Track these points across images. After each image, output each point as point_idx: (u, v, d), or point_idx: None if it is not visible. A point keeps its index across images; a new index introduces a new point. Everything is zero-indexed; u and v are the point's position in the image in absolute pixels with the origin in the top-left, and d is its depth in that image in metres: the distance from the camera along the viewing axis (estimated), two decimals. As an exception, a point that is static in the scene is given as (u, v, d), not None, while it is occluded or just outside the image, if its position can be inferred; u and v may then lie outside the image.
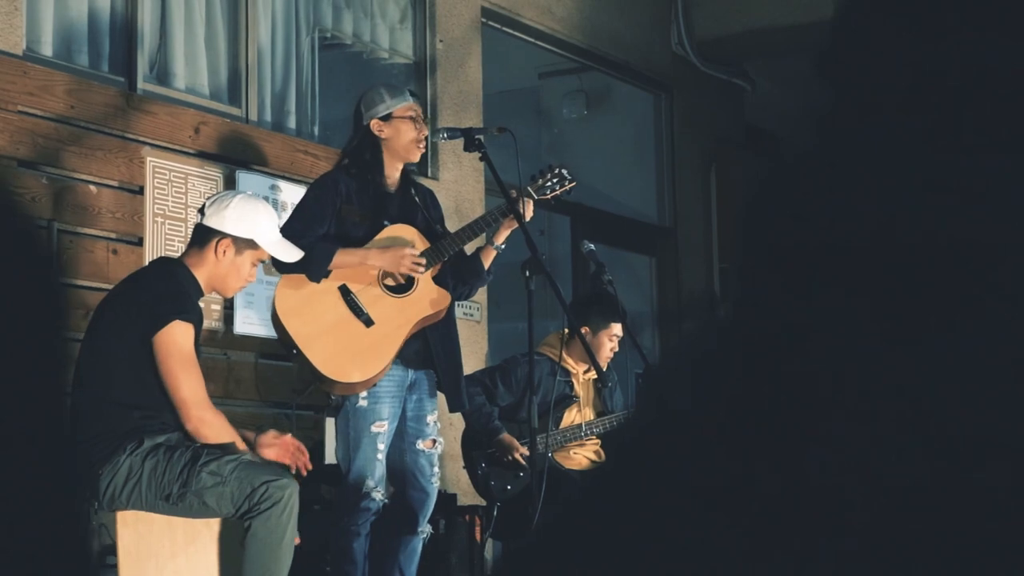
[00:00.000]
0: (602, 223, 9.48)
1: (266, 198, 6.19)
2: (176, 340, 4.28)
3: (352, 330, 4.92)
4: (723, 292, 10.42)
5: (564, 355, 6.13)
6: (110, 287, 4.84)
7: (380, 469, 4.95)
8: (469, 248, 5.19)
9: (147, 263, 5.37)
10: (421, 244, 5.06)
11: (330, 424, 6.07)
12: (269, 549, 4.21)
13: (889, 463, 0.96)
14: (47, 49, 5.89)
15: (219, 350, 6.23)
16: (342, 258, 4.92)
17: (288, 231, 4.84)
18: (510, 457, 6.01)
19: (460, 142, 5.19)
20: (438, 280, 5.08)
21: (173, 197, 6.10)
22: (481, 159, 5.07)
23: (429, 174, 7.64)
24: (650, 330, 9.96)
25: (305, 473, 4.49)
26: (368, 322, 4.93)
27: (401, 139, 5.09)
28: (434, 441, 5.10)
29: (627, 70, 9.68)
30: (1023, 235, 0.96)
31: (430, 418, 5.10)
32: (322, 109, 7.18)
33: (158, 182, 6.04)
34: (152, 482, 4.23)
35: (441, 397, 5.14)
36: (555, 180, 5.19)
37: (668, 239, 10.04)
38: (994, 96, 0.99)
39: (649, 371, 5.66)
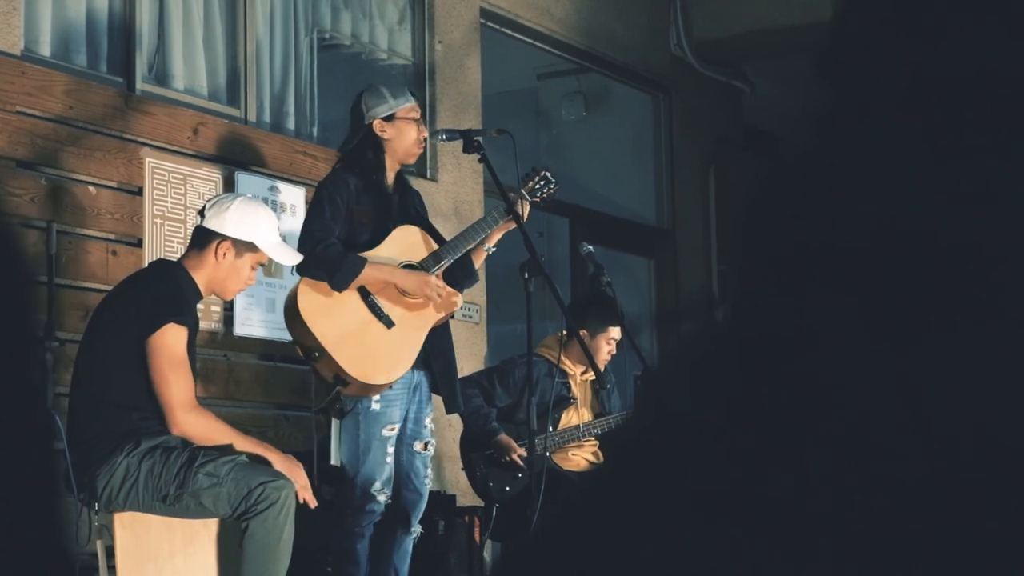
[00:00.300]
0: (601, 225, 9.48)
1: (265, 199, 6.19)
2: (168, 342, 4.28)
3: (376, 332, 4.91)
4: (722, 294, 10.42)
5: (562, 357, 6.13)
6: (109, 288, 4.84)
7: (388, 472, 4.96)
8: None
9: (146, 264, 5.37)
10: (426, 245, 5.07)
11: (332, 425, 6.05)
12: (267, 550, 4.22)
13: (889, 464, 0.96)
14: (45, 49, 5.89)
15: (219, 352, 6.23)
16: (369, 273, 4.88)
17: (308, 234, 4.82)
18: (508, 458, 6.01)
19: (459, 144, 5.19)
20: None
21: (172, 198, 6.10)
22: (480, 161, 5.08)
23: (428, 175, 7.64)
24: (648, 332, 9.96)
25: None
26: (389, 324, 4.92)
27: (404, 140, 5.07)
28: (427, 444, 5.11)
29: (626, 71, 9.68)
30: (1023, 235, 0.96)
31: (427, 420, 5.11)
32: (321, 110, 7.18)
33: (157, 183, 6.04)
34: (149, 483, 4.23)
35: (436, 398, 5.15)
36: (543, 183, 5.20)
37: (667, 241, 10.04)
38: (993, 96, 0.99)
39: (648, 373, 5.66)
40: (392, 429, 4.95)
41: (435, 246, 5.09)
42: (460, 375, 5.42)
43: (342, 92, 7.13)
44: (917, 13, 1.04)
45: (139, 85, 6.20)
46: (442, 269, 5.04)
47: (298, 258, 4.69)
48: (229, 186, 6.30)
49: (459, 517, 6.21)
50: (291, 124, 6.99)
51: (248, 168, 6.47)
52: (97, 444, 4.28)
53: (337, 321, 4.87)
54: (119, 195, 5.89)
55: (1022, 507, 0.92)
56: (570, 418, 6.20)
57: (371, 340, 4.89)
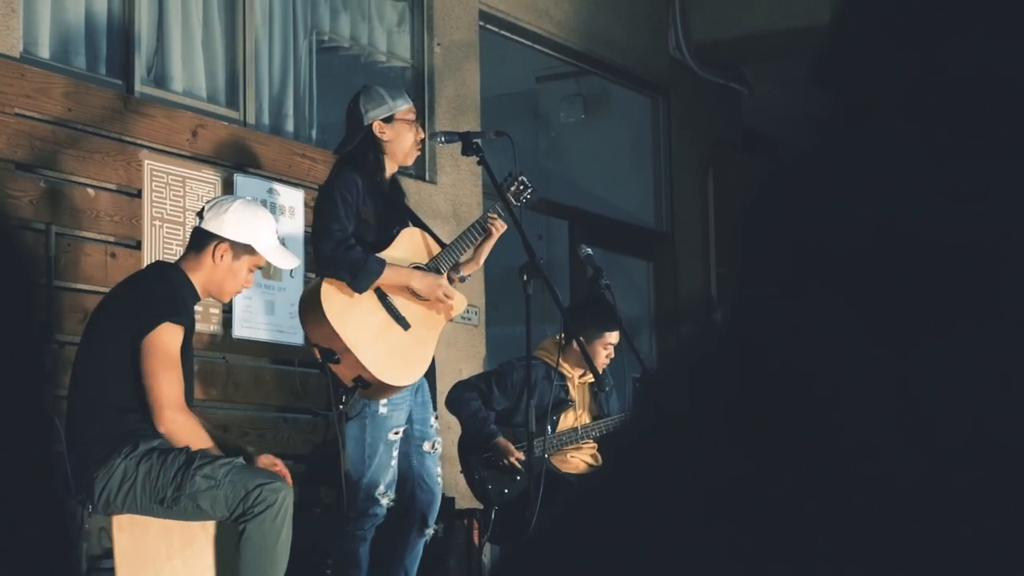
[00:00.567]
0: (599, 227, 9.48)
1: (263, 201, 6.19)
2: (163, 341, 4.28)
3: (395, 333, 4.92)
4: (721, 296, 10.43)
5: (560, 359, 6.13)
6: (108, 291, 4.84)
7: (392, 475, 4.96)
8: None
9: (144, 266, 5.37)
10: (428, 247, 5.09)
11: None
12: (264, 552, 4.22)
13: (888, 465, 0.96)
14: (44, 51, 5.89)
15: (218, 354, 6.22)
16: (388, 276, 4.89)
17: (328, 233, 4.81)
18: (507, 461, 6.01)
19: (458, 146, 5.20)
20: None
21: (171, 200, 6.09)
22: (479, 163, 5.08)
23: (427, 178, 7.64)
24: (647, 334, 9.96)
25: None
26: (406, 326, 4.94)
27: (402, 142, 5.08)
28: (435, 443, 5.12)
29: (624, 74, 9.68)
30: (1022, 237, 0.96)
31: (432, 419, 5.12)
32: (320, 112, 7.18)
33: (156, 185, 6.04)
34: (147, 485, 4.23)
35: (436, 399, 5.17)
36: (523, 187, 5.20)
37: (665, 243, 10.04)
38: (993, 98, 0.99)
39: (647, 375, 5.65)
40: (397, 433, 4.96)
41: (435, 248, 5.11)
42: (458, 378, 5.42)
43: (341, 94, 7.12)
44: (916, 15, 1.04)
45: (138, 87, 6.20)
46: (448, 271, 5.07)
47: (296, 263, 4.69)
48: (228, 188, 6.30)
49: (458, 520, 6.21)
50: (290, 126, 6.99)
51: (247, 170, 6.47)
52: (95, 446, 4.27)
53: (359, 323, 4.86)
54: (118, 197, 5.89)
55: (1022, 507, 0.92)
56: (568, 421, 6.21)
57: (392, 342, 4.90)
